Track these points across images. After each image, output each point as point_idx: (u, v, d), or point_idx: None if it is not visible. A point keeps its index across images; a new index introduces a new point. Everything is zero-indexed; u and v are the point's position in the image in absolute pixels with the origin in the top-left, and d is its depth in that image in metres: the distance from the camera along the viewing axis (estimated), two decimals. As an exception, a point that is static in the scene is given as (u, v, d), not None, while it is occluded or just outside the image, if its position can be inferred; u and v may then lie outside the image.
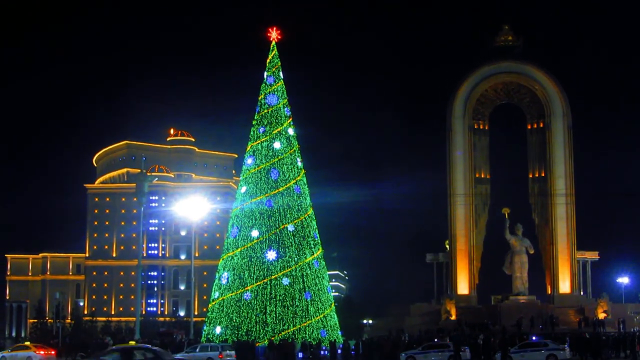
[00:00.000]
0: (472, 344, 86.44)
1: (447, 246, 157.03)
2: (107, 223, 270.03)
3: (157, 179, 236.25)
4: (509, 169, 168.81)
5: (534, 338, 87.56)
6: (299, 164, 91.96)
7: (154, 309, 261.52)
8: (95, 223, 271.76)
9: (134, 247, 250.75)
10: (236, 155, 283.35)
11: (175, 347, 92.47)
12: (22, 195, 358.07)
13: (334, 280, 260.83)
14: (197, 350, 78.18)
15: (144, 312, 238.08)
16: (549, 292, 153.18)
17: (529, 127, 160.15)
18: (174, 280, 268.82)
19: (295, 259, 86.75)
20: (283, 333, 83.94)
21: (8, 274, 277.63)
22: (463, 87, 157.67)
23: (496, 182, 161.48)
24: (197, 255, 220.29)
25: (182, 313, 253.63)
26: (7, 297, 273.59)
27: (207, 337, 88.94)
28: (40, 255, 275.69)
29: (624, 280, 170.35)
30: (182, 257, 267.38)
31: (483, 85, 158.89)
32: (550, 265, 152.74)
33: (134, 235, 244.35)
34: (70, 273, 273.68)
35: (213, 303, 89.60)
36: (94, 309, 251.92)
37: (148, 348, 51.26)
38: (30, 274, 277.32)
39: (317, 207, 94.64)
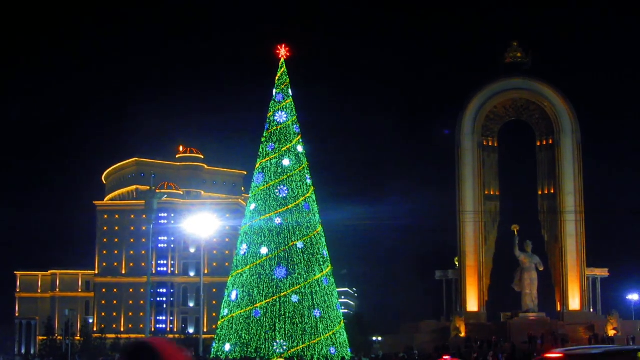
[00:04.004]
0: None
1: (457, 263, 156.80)
2: (116, 240, 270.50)
3: (166, 196, 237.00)
4: (518, 186, 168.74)
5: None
6: (308, 181, 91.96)
7: (163, 325, 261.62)
8: (105, 240, 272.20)
9: (143, 264, 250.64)
10: (245, 172, 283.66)
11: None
12: (31, 213, 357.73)
13: (343, 297, 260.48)
14: None
15: (153, 329, 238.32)
16: (559, 309, 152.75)
17: (538, 143, 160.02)
18: (183, 297, 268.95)
19: (305, 276, 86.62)
20: (292, 350, 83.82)
21: (17, 290, 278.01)
22: (472, 104, 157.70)
23: (505, 199, 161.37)
24: (206, 272, 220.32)
25: (191, 330, 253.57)
26: (17, 314, 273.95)
27: (216, 355, 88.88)
28: (50, 272, 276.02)
29: (633, 297, 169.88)
30: (192, 274, 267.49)
31: (492, 101, 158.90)
32: (560, 282, 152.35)
33: (143, 252, 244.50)
34: (80, 290, 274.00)
35: (222, 320, 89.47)
36: (103, 325, 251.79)
37: None
38: (39, 291, 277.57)
39: (327, 224, 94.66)
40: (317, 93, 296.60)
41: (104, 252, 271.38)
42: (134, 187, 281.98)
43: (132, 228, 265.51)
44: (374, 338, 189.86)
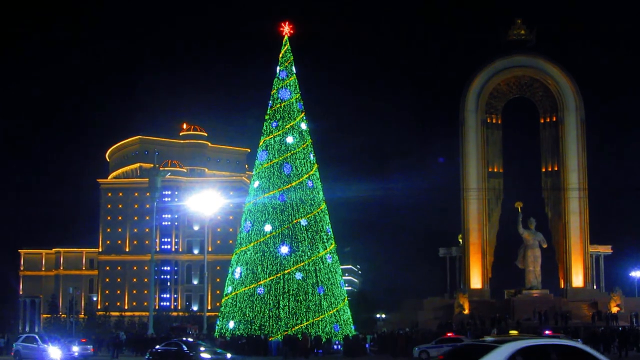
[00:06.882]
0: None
1: (460, 240, 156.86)
2: (120, 218, 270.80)
3: (170, 173, 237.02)
4: (522, 163, 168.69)
5: (547, 332, 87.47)
6: (312, 158, 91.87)
7: (167, 303, 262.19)
8: (108, 218, 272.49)
9: (147, 242, 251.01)
10: (249, 150, 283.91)
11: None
12: (35, 191, 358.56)
13: (346, 274, 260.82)
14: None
15: (157, 307, 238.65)
16: (562, 286, 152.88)
17: (542, 121, 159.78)
18: (187, 275, 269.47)
19: (308, 253, 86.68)
20: (296, 327, 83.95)
21: (21, 269, 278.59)
22: (476, 81, 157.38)
23: (509, 176, 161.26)
24: (210, 249, 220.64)
25: (195, 308, 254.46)
26: (21, 292, 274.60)
27: (219, 332, 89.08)
28: (54, 250, 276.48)
29: (637, 274, 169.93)
30: (195, 251, 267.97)
31: (496, 79, 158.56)
32: (564, 259, 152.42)
33: (147, 230, 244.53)
34: (84, 268, 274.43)
35: (226, 298, 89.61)
36: (107, 303, 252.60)
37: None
38: (43, 269, 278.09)
39: (330, 202, 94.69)
40: (321, 70, 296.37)
41: (108, 230, 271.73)
42: (138, 164, 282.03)
43: (136, 206, 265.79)
44: (378, 315, 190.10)
